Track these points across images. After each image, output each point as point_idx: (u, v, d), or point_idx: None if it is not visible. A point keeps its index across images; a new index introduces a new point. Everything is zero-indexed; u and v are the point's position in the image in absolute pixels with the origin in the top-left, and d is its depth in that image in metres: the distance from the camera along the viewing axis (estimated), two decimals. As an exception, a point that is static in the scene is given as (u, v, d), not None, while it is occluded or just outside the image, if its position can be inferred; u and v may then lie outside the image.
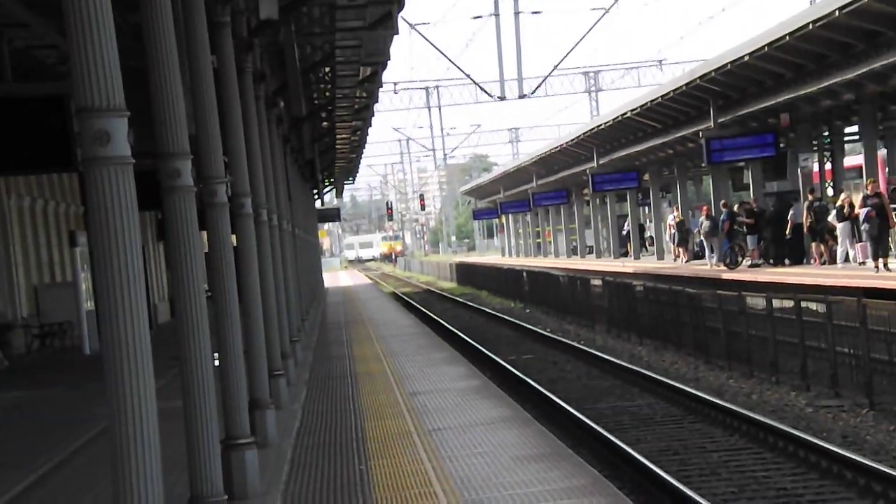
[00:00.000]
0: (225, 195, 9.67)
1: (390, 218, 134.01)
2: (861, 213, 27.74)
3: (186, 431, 7.85)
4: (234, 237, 10.19)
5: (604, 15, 48.27)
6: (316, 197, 54.97)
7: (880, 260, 26.97)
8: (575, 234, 66.31)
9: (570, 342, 28.57)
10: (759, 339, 20.83)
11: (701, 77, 34.70)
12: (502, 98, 54.07)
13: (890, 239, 28.02)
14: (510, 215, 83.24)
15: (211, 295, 9.61)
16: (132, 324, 5.27)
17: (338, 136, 40.38)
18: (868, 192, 27.94)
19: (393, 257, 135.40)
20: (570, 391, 20.88)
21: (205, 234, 9.65)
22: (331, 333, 29.48)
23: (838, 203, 31.00)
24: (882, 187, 27.60)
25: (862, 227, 28.28)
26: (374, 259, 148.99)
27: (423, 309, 44.49)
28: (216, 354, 9.14)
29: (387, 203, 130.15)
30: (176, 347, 7.98)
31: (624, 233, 54.53)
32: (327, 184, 57.05)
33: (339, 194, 75.40)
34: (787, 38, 28.46)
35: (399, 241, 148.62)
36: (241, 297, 10.44)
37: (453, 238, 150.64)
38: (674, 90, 37.45)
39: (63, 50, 17.13)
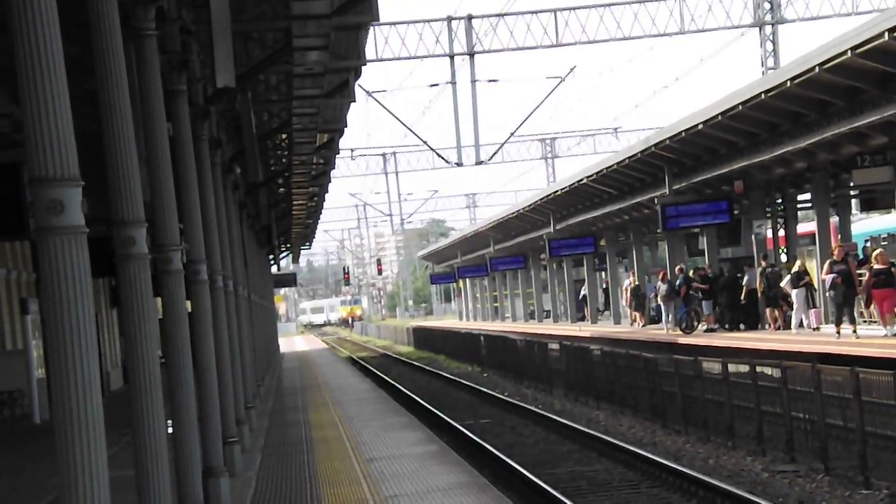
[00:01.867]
0: (180, 262, 9.67)
1: (347, 283, 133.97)
2: (827, 279, 27.48)
3: (139, 501, 7.78)
4: (188, 303, 10.17)
5: (559, 83, 48.76)
6: (272, 262, 54.91)
7: (842, 326, 26.78)
8: (532, 298, 66.51)
9: (527, 406, 28.57)
10: (716, 404, 20.91)
11: (656, 145, 35.05)
12: (459, 164, 54.36)
13: (854, 307, 27.99)
14: (468, 279, 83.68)
15: (165, 362, 9.59)
16: (84, 392, 5.25)
17: (294, 202, 40.43)
18: (835, 258, 27.36)
19: (350, 322, 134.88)
20: (527, 456, 20.85)
21: (159, 300, 9.62)
22: (287, 399, 29.36)
23: (793, 269, 31.23)
24: (838, 254, 27.71)
25: (827, 293, 28.20)
26: (329, 323, 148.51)
27: (379, 373, 44.37)
28: (169, 422, 9.11)
29: (343, 268, 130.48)
30: (129, 415, 7.93)
31: (580, 297, 54.79)
32: (283, 249, 57.04)
33: (296, 259, 75.40)
34: (740, 107, 28.82)
35: (358, 305, 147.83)
36: (195, 364, 10.40)
37: (410, 302, 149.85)
38: (629, 157, 37.80)
39: (17, 118, 17.14)
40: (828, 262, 27.97)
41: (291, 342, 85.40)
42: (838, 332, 26.65)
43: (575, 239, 50.35)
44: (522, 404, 29.23)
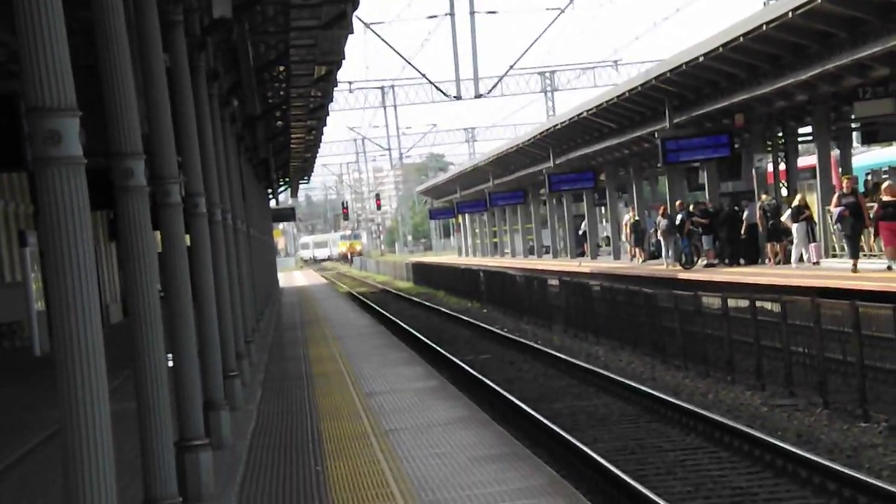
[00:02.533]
0: (178, 195, 9.59)
1: (346, 217, 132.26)
2: (834, 212, 27.32)
3: (140, 433, 7.78)
4: (187, 237, 10.11)
5: (559, 15, 48.46)
6: (270, 196, 54.50)
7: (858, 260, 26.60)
8: (532, 233, 66.03)
9: (526, 342, 28.55)
10: (715, 339, 20.91)
11: (656, 77, 34.82)
12: (458, 98, 54.08)
13: (862, 239, 27.80)
14: (466, 215, 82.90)
15: (164, 295, 9.54)
16: (84, 324, 5.20)
17: (292, 136, 40.22)
18: (844, 191, 27.01)
19: (349, 257, 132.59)
20: (526, 391, 20.87)
21: (158, 233, 9.56)
22: (286, 334, 29.31)
23: (793, 203, 31.13)
24: (841, 185, 27.48)
25: (834, 226, 27.99)
26: (329, 259, 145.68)
27: (379, 309, 44.27)
28: (170, 355, 9.07)
29: (342, 202, 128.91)
30: (129, 348, 7.90)
31: (580, 233, 54.56)
32: (282, 183, 56.75)
33: (294, 194, 75.34)
34: (741, 39, 28.60)
35: (358, 240, 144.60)
36: (195, 298, 10.35)
37: (409, 238, 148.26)
38: (629, 91, 37.57)
39: (13, 48, 16.99)
40: (836, 194, 27.81)
41: (291, 277, 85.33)
42: (855, 267, 26.39)
43: (575, 174, 49.99)
44: (521, 339, 29.26)
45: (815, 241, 30.61)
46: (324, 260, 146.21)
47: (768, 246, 32.66)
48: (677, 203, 37.39)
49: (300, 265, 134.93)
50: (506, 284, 41.01)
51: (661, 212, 38.52)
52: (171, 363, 9.17)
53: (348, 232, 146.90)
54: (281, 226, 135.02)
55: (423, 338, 31.00)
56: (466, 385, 21.60)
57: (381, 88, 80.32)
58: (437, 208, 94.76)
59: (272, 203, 58.01)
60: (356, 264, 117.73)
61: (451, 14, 50.77)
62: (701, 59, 31.32)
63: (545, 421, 16.59)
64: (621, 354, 25.30)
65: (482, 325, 34.55)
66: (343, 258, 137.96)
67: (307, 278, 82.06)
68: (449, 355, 26.33)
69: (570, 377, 22.59)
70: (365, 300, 51.49)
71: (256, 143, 31.44)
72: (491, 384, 20.94)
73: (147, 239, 8.08)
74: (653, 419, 17.27)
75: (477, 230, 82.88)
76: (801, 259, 30.41)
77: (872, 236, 27.54)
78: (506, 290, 40.64)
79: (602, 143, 44.96)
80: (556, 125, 47.61)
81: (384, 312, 41.88)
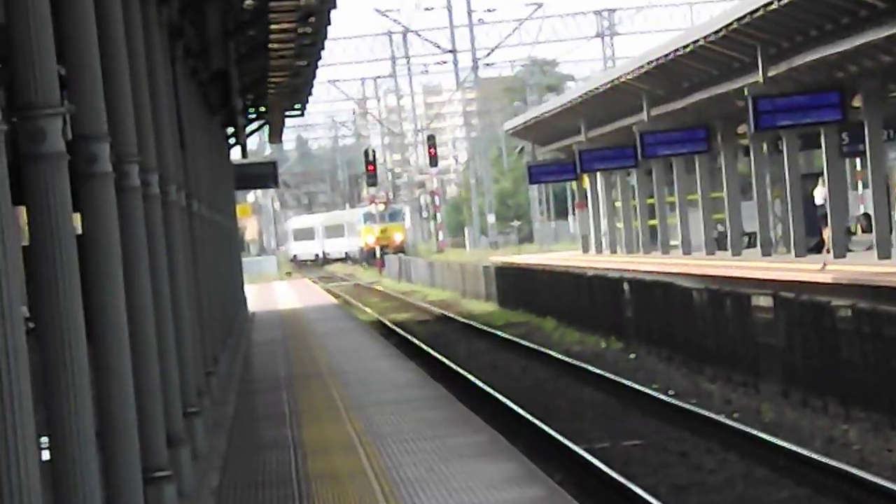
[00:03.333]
0: (60, 134, 6.04)
1: (372, 180, 73.88)
2: None
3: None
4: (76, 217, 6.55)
5: None
6: (233, 142, 31.53)
7: None
8: (722, 209, 40.24)
9: (712, 416, 17.34)
10: None
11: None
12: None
13: None
14: (598, 175, 51.04)
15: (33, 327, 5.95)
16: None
17: (273, 28, 21.44)
18: None
19: (377, 254, 77.89)
20: None
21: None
22: (260, 398, 18.59)
23: None
24: None
25: None
26: (347, 258, 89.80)
27: (433, 352, 27.86)
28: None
29: (366, 152, 73.77)
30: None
31: (820, 208, 33.47)
32: (253, 115, 32.04)
33: (277, 137, 42.85)
34: None
35: (399, 223, 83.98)
36: (90, 329, 6.89)
37: (492, 219, 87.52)
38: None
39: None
40: None
41: (269, 293, 51.52)
42: None
43: (804, 95, 29.92)
44: (702, 411, 17.68)
45: None
46: (339, 259, 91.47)
47: None
48: None
49: (288, 271, 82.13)
50: (671, 307, 24.62)
51: None
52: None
53: (381, 206, 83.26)
54: (252, 197, 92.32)
55: (514, 406, 19.30)
56: (597, 496, 13.52)
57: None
58: (543, 163, 56.24)
59: (236, 153, 33.39)
60: (391, 269, 70.03)
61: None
62: None
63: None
64: (893, 440, 15.26)
65: (626, 382, 21.28)
66: (368, 256, 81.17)
67: (300, 294, 49.11)
68: (563, 439, 16.14)
69: (794, 485, 13.30)
70: (407, 335, 32.85)
71: (206, 41, 19.46)
72: (643, 497, 12.43)
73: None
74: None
75: (618, 204, 51.22)
76: None
77: None
78: (672, 318, 24.54)
79: (858, 37, 26.12)
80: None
81: (443, 359, 26.37)
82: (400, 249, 77.63)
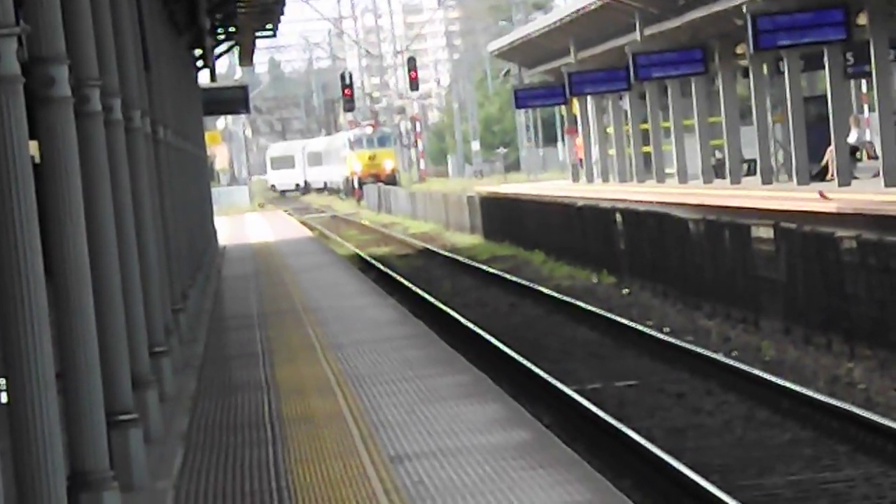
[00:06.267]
0: (16, 60, 6.08)
1: (349, 105, 71.27)
2: None
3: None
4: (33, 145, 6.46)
5: None
6: (201, 65, 31.05)
7: None
8: (720, 135, 39.12)
9: (709, 355, 16.72)
10: None
11: None
12: None
13: None
14: (589, 98, 48.57)
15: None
16: None
17: None
18: None
19: (356, 184, 72.78)
20: (707, 458, 12.29)
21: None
22: (232, 336, 18.07)
23: None
24: None
25: None
26: (329, 187, 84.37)
27: (415, 288, 26.64)
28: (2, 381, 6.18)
29: (342, 75, 71.14)
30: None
31: (823, 134, 31.90)
32: (222, 36, 30.93)
33: (248, 59, 40.56)
34: None
35: (389, 148, 77.39)
36: (49, 264, 6.77)
37: (476, 146, 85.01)
38: None
39: None
40: None
41: (240, 225, 49.33)
42: None
43: (805, 12, 29.28)
44: (698, 349, 17.13)
45: None
46: (323, 189, 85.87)
47: None
48: None
49: (261, 202, 77.01)
50: (666, 238, 24.23)
51: None
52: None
53: (367, 130, 76.42)
54: (221, 123, 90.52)
55: (499, 345, 18.56)
56: (588, 440, 13.22)
57: None
58: (530, 87, 53.75)
59: (204, 77, 32.76)
60: (370, 200, 65.83)
61: None
62: None
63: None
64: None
65: (619, 319, 20.42)
66: (352, 187, 74.27)
67: (274, 226, 47.16)
68: (552, 380, 15.58)
69: (799, 428, 13.32)
70: (387, 270, 31.42)
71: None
72: (645, 444, 12.07)
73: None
74: None
75: (610, 130, 49.06)
76: None
77: None
78: (667, 250, 23.61)
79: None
80: None
81: (426, 296, 25.18)
82: (391, 179, 71.50)
